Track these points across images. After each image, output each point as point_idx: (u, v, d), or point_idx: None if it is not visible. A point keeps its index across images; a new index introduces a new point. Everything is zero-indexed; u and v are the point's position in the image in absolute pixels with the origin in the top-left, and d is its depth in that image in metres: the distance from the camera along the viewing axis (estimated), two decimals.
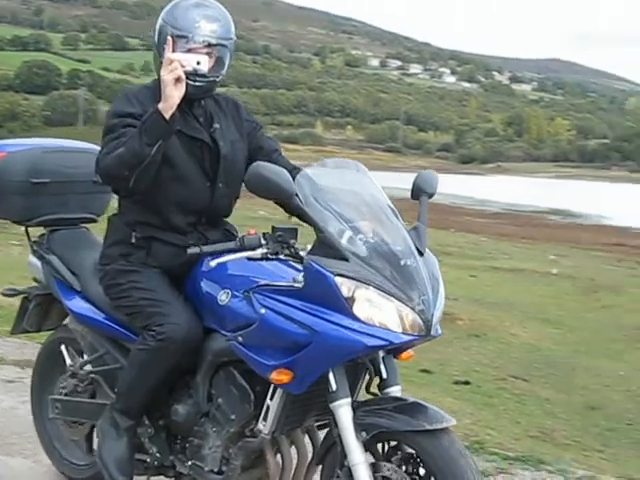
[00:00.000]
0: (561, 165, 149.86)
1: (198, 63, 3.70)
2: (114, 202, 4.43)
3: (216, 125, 4.02)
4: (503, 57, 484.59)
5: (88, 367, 4.47)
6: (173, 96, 3.59)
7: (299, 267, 3.56)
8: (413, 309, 3.31)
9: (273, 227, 3.52)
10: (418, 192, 3.72)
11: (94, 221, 4.86)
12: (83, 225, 4.82)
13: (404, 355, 3.63)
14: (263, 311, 3.46)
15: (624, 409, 9.55)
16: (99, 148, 4.04)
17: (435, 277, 3.49)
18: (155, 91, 3.79)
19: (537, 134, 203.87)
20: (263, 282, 3.53)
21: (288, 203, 3.40)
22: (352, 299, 3.27)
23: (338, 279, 3.28)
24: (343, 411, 3.40)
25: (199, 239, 3.98)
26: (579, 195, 66.23)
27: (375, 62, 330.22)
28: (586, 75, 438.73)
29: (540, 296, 16.79)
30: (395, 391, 3.57)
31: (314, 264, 3.34)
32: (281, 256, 3.51)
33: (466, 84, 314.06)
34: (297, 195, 3.36)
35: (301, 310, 3.36)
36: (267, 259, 3.50)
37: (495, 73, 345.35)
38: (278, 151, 4.21)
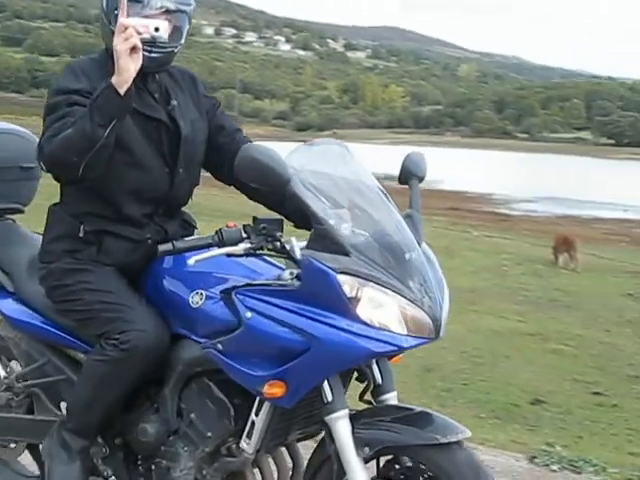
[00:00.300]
0: (396, 131, 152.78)
1: (156, 29, 3.14)
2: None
3: (174, 102, 3.50)
4: (338, 25, 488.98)
5: (26, 379, 3.91)
6: (129, 69, 3.05)
7: (278, 264, 3.24)
8: (422, 309, 2.96)
9: (255, 218, 3.07)
10: (407, 176, 3.33)
11: (20, 212, 4.25)
12: (9, 217, 4.21)
13: (395, 358, 3.30)
14: (249, 315, 3.02)
15: (459, 370, 9.85)
16: (25, 130, 3.64)
17: (437, 272, 3.13)
18: (105, 64, 3.29)
19: (372, 101, 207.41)
20: (245, 281, 3.11)
21: (281, 191, 2.94)
22: (356, 299, 2.90)
23: (341, 277, 2.89)
24: (341, 424, 3.02)
25: (157, 232, 3.49)
26: None
27: (210, 30, 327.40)
28: (420, 42, 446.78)
29: None
30: (391, 398, 3.23)
31: (314, 261, 2.92)
32: (264, 251, 3.08)
33: (301, 52, 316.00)
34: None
35: (295, 313, 2.95)
36: (249, 255, 3.08)
37: (330, 41, 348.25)
38: (241, 131, 3.73)
